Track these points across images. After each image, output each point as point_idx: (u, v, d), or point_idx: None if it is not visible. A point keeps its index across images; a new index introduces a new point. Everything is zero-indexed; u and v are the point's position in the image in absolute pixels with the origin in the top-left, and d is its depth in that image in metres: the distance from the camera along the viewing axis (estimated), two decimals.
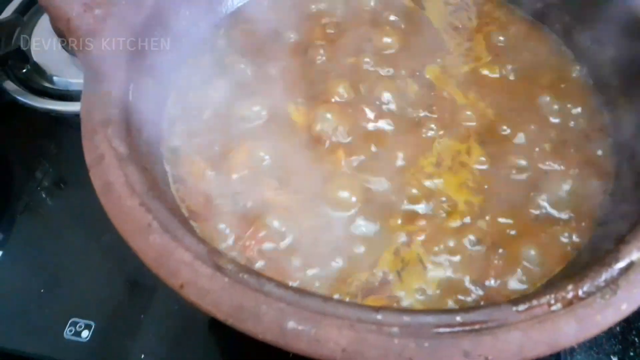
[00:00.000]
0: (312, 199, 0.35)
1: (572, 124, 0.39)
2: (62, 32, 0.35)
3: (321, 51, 0.43)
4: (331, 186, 0.36)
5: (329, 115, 0.39)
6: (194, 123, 0.39)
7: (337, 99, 0.40)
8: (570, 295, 0.26)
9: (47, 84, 0.60)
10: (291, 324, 0.25)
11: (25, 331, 0.44)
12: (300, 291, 0.26)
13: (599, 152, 0.38)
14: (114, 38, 0.35)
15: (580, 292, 0.26)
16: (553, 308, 0.25)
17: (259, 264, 0.33)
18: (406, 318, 0.25)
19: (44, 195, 0.52)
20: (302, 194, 0.36)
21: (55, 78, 0.61)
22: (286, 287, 0.26)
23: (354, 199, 0.35)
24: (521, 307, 0.25)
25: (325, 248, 0.34)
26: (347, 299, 0.32)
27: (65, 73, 0.61)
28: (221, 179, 0.37)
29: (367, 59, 0.42)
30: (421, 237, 0.34)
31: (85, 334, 0.44)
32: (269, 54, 0.43)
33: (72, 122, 0.57)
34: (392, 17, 0.45)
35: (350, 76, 0.41)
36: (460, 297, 0.32)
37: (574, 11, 0.42)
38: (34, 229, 0.50)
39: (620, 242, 0.28)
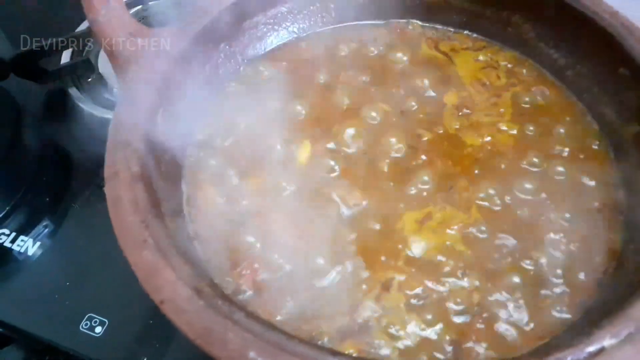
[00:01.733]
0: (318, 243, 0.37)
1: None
2: (107, 56, 0.39)
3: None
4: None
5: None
6: (216, 149, 0.42)
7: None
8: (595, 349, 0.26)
9: (107, 95, 0.65)
10: (252, 355, 0.26)
11: (45, 318, 0.48)
12: (266, 324, 0.28)
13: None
14: (150, 67, 0.38)
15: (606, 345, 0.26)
16: None
17: (248, 294, 0.35)
18: None
19: (94, 197, 0.56)
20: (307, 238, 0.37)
21: (115, 90, 0.66)
22: (255, 318, 0.28)
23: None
24: None
25: (314, 289, 0.35)
26: (323, 340, 0.33)
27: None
28: (230, 207, 0.39)
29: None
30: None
31: (98, 329, 0.47)
32: (299, 92, 0.45)
33: None
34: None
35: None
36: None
37: (602, 82, 0.41)
38: (79, 226, 0.54)
39: (595, 326, 0.27)
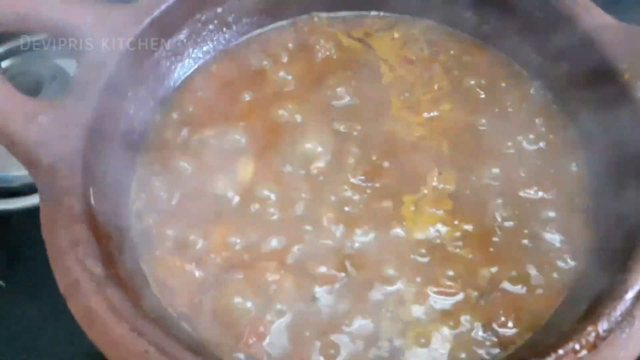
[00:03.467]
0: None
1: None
2: (6, 147, 0.32)
3: (290, 106, 0.42)
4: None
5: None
6: (162, 213, 0.37)
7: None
8: (592, 337, 0.25)
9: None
10: None
11: None
12: None
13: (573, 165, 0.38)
14: (64, 144, 0.32)
15: (600, 332, 0.25)
16: (580, 355, 0.25)
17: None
18: None
19: None
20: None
21: (10, 175, 0.56)
22: None
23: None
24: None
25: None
26: None
27: (4, 167, 0.57)
28: (202, 271, 0.35)
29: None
30: None
31: None
32: (229, 119, 0.41)
33: (20, 220, 0.53)
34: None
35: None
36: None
37: (520, 30, 0.42)
38: None
39: (625, 271, 0.28)
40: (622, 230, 0.33)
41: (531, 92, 0.42)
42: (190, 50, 0.44)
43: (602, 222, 0.35)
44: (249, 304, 0.33)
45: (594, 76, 0.36)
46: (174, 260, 0.35)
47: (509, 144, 0.39)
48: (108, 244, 0.32)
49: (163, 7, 0.39)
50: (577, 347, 0.25)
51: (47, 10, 0.35)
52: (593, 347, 0.25)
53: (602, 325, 0.25)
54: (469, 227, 0.36)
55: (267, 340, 0.32)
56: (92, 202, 0.32)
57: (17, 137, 0.32)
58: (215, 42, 0.45)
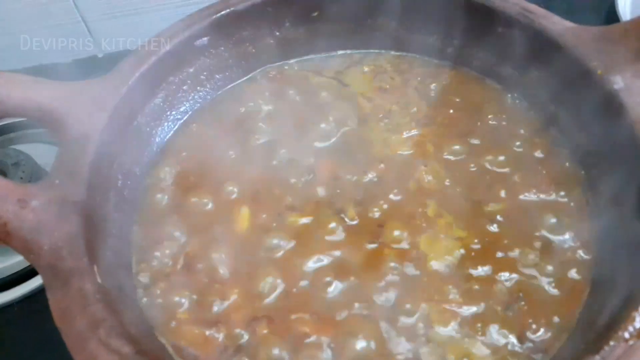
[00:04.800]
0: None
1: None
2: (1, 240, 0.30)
3: (272, 153, 0.42)
4: None
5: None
6: (168, 282, 0.36)
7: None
8: (638, 324, 0.25)
9: None
10: None
11: None
12: None
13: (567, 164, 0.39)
14: (63, 226, 0.31)
15: None
16: (630, 342, 0.25)
17: None
18: None
19: None
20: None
21: None
22: None
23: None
24: (603, 354, 0.25)
25: None
26: None
27: None
28: (223, 334, 0.33)
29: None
30: None
31: None
32: (220, 177, 0.40)
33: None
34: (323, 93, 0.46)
35: None
36: None
37: (484, 46, 0.44)
38: None
39: None
40: (619, 212, 0.34)
41: (508, 102, 0.43)
42: (168, 112, 0.43)
43: (604, 211, 0.36)
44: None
45: (566, 78, 0.38)
46: (192, 329, 0.34)
47: (498, 154, 0.40)
48: (123, 321, 0.30)
49: (137, 74, 0.39)
50: (626, 335, 0.25)
51: (23, 92, 0.34)
52: None
53: None
54: (476, 242, 0.36)
55: None
56: (99, 280, 0.31)
57: (11, 226, 0.30)
58: (191, 102, 0.45)
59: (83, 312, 0.28)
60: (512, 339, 0.32)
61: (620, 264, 0.32)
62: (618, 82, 0.35)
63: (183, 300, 0.35)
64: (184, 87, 0.44)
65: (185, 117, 0.45)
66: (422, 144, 0.42)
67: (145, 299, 0.35)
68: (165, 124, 0.43)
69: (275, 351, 0.32)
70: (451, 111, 0.43)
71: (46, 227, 0.30)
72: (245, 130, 0.44)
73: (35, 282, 0.51)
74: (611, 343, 0.25)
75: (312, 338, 0.33)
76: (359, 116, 0.44)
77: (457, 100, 0.44)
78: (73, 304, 0.28)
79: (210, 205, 0.40)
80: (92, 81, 0.38)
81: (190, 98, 0.45)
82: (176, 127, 0.44)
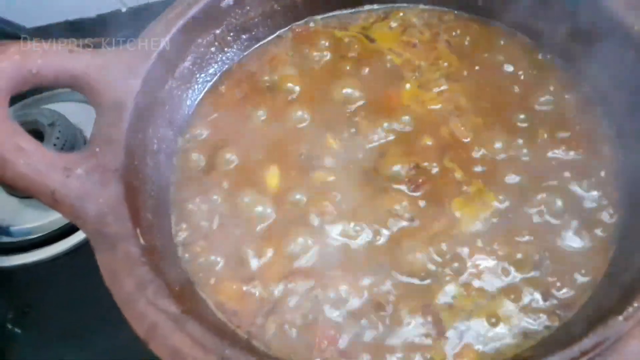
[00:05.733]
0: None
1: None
2: (49, 205, 0.32)
3: (299, 113, 0.42)
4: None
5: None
6: (207, 240, 0.38)
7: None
8: None
9: (5, 239, 0.56)
10: None
11: None
12: None
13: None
14: (106, 192, 0.32)
15: None
16: None
17: None
18: None
19: None
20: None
21: (12, 229, 0.56)
22: None
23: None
24: (626, 314, 0.26)
25: None
26: None
27: (21, 220, 0.57)
28: (260, 290, 0.35)
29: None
30: None
31: None
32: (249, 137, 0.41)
33: (42, 271, 0.53)
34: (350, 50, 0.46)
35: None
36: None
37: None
38: None
39: None
40: None
41: (539, 57, 0.43)
42: (197, 75, 0.44)
43: (634, 170, 0.36)
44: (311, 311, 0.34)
45: (599, 33, 0.37)
46: (230, 285, 0.36)
47: (528, 111, 0.40)
48: (168, 281, 0.32)
49: (166, 40, 0.39)
50: None
51: (59, 63, 0.35)
52: None
53: None
54: (507, 200, 0.37)
55: (340, 343, 0.33)
56: (142, 242, 0.33)
57: (59, 194, 0.32)
58: (219, 63, 0.45)
59: (130, 274, 0.30)
60: (537, 295, 0.33)
61: None
62: None
63: (220, 258, 0.37)
64: (212, 49, 0.44)
65: (214, 79, 0.45)
66: (453, 99, 0.42)
67: (186, 256, 0.37)
68: (195, 86, 0.44)
69: (308, 304, 0.34)
70: (480, 67, 0.43)
71: (90, 195, 0.32)
72: (273, 89, 0.44)
73: (80, 236, 0.54)
74: (635, 304, 0.26)
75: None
76: (387, 72, 0.44)
77: (486, 55, 0.43)
78: (120, 266, 0.30)
79: (240, 165, 0.41)
80: (124, 48, 0.38)
81: (218, 60, 0.45)
82: (206, 89, 0.44)
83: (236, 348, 0.27)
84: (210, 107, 0.44)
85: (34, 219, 0.56)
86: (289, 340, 0.33)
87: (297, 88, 0.44)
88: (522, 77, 0.42)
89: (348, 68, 0.44)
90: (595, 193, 0.36)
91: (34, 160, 0.31)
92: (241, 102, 0.44)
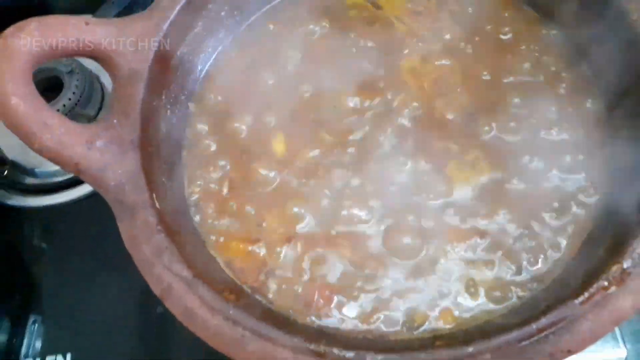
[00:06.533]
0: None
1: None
2: (76, 174, 0.35)
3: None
4: None
5: None
6: (217, 202, 0.41)
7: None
8: (618, 274, 0.29)
9: (31, 180, 0.60)
10: None
11: None
12: None
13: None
14: (125, 163, 0.35)
15: (625, 267, 0.30)
16: (610, 291, 0.29)
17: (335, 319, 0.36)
18: (494, 341, 0.29)
19: None
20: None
21: (37, 170, 0.60)
22: None
23: None
24: (582, 299, 0.29)
25: None
26: None
27: (46, 162, 0.60)
28: (264, 249, 0.39)
29: None
30: None
31: None
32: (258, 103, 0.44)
33: (66, 212, 0.57)
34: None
35: None
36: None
37: None
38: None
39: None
40: (636, 155, 0.36)
41: (542, 33, 0.43)
42: (208, 40, 0.45)
43: (621, 158, 0.38)
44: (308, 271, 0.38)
45: (603, 15, 0.38)
46: (237, 244, 0.40)
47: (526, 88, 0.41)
48: (181, 242, 0.36)
49: (178, 6, 0.41)
50: (605, 283, 0.29)
51: (77, 36, 0.37)
52: (620, 281, 0.29)
53: (627, 262, 0.30)
54: (496, 174, 0.39)
55: (335, 301, 0.37)
56: (157, 206, 0.36)
57: (82, 166, 0.35)
58: (230, 27, 0.46)
59: (148, 241, 0.33)
60: (511, 267, 0.37)
61: (628, 205, 0.34)
62: None
63: (228, 221, 0.40)
64: (222, 14, 0.45)
65: (224, 44, 0.47)
66: (452, 72, 0.43)
67: (197, 217, 0.41)
68: (206, 51, 0.45)
69: (305, 265, 0.38)
70: (482, 38, 0.44)
71: (110, 166, 0.35)
72: (281, 54, 0.46)
73: None
74: (591, 290, 0.29)
75: None
76: (390, 40, 0.45)
77: (489, 27, 0.44)
78: (140, 233, 0.34)
79: (249, 131, 0.43)
80: (136, 17, 0.40)
81: (228, 24, 0.46)
82: (215, 54, 0.46)
83: (239, 309, 0.31)
84: (221, 72, 0.46)
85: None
86: (288, 297, 0.37)
87: (305, 52, 0.46)
88: (522, 52, 0.43)
89: (351, 36, 0.45)
90: (579, 176, 0.38)
91: (58, 134, 0.34)
92: (250, 67, 0.46)
